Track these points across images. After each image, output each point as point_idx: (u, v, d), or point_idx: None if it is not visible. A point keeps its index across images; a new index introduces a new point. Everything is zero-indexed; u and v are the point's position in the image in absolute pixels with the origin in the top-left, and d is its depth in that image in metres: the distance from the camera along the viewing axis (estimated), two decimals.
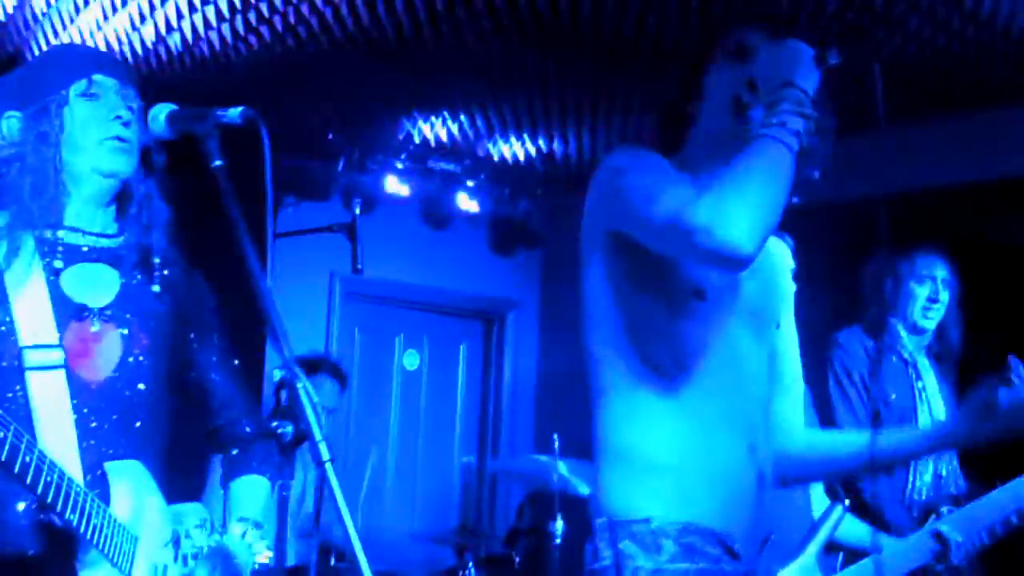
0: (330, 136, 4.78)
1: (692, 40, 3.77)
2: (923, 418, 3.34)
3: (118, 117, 1.82)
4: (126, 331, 1.84)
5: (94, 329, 1.80)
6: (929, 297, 3.39)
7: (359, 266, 3.54)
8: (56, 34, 4.00)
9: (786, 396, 1.92)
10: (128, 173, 1.85)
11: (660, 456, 1.67)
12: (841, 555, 2.97)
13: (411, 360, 5.94)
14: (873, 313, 3.48)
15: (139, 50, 4.08)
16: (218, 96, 4.38)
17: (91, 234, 1.86)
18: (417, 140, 5.18)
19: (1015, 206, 4.31)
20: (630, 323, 1.71)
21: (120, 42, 4.03)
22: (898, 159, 4.67)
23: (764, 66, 1.69)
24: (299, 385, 1.49)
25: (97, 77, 1.84)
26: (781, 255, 1.93)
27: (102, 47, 4.06)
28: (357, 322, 5.76)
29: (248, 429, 2.01)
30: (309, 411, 1.47)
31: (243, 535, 1.87)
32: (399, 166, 5.31)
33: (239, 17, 3.76)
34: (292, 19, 3.73)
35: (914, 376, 3.40)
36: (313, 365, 3.82)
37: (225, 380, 2.00)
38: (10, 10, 3.85)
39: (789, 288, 1.94)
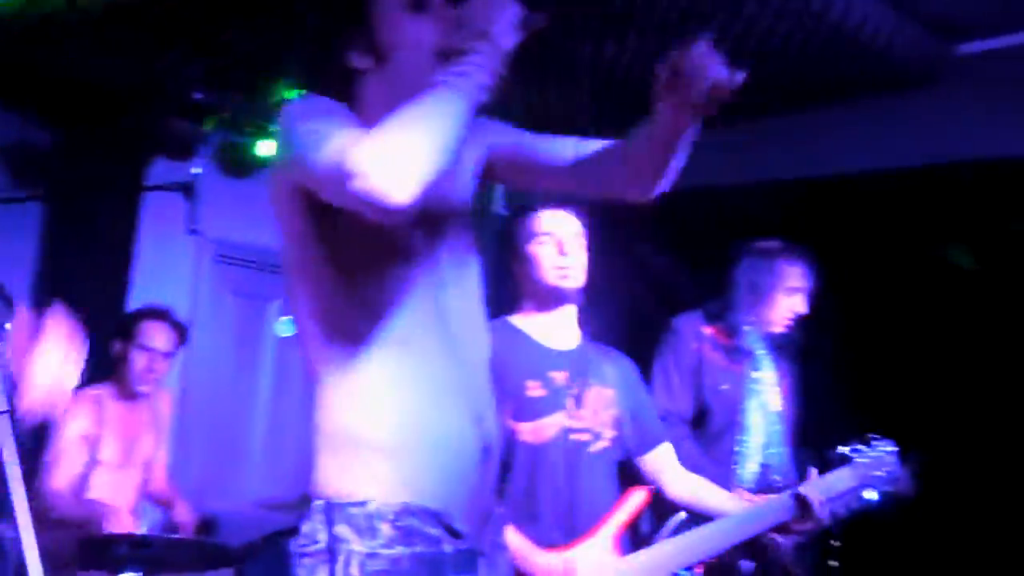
0: (198, 96, 4.71)
1: None
2: (753, 411, 3.37)
3: None
4: None
5: None
6: (792, 309, 3.43)
7: (193, 227, 3.49)
8: None
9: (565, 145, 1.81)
10: None
11: (377, 436, 1.61)
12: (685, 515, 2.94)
13: (285, 327, 5.91)
14: (720, 304, 3.50)
15: None
16: (73, 50, 4.36)
17: None
18: None
19: (849, 200, 4.41)
20: (331, 292, 1.63)
21: None
22: (761, 150, 4.77)
23: (469, 14, 1.62)
24: None
25: None
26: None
27: None
28: (230, 286, 5.71)
29: None
30: None
31: None
32: (274, 130, 5.24)
33: None
34: None
35: (750, 367, 3.42)
36: (151, 313, 3.80)
37: None
38: None
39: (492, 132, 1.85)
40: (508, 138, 1.85)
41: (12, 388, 1.45)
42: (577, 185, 1.82)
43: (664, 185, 1.76)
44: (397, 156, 1.44)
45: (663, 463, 2.90)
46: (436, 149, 1.47)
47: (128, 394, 3.73)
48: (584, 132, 1.81)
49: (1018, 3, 3.65)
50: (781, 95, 4.48)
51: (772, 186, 4.64)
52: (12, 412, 1.44)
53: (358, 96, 1.70)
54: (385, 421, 1.61)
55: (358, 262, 1.62)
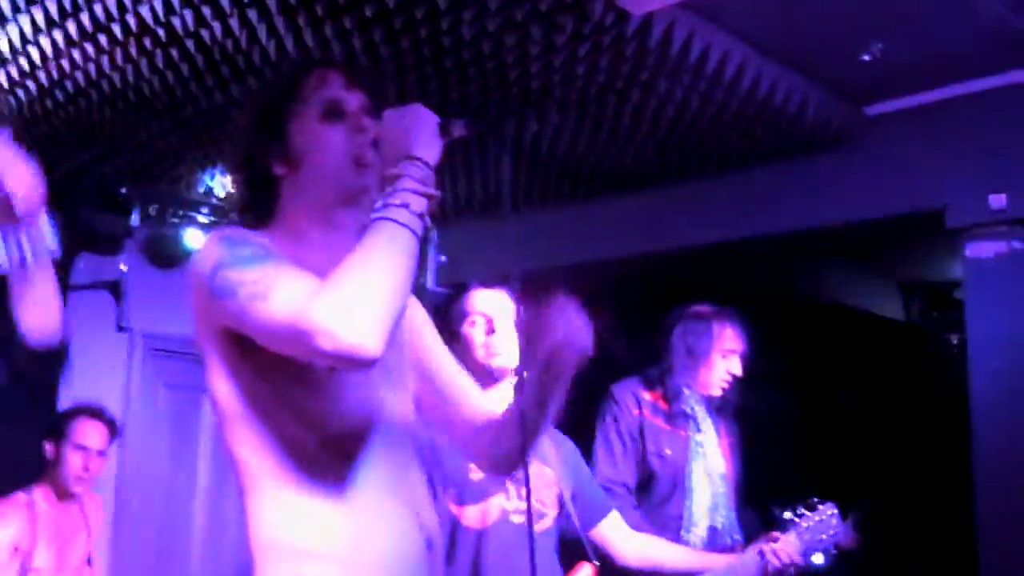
0: (123, 190, 4.69)
1: None
2: (697, 473, 3.38)
3: None
4: None
5: None
6: (729, 371, 3.45)
7: (123, 323, 3.46)
8: None
9: (471, 394, 1.87)
10: None
11: (319, 544, 1.55)
12: None
13: None
14: (658, 370, 3.52)
15: None
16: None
17: None
18: (220, 195, 5.12)
19: (769, 259, 4.52)
20: (263, 414, 1.58)
21: None
22: (675, 218, 4.88)
23: (387, 131, 1.62)
24: None
25: None
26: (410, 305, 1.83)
27: None
28: (161, 378, 5.63)
29: None
30: None
31: None
32: (202, 220, 5.23)
33: (1, 71, 3.68)
34: (82, 81, 3.69)
35: (694, 430, 3.43)
36: (84, 411, 3.75)
37: None
38: None
39: (422, 324, 1.89)
40: (436, 352, 1.89)
41: None
42: (457, 434, 1.88)
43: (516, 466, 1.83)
44: (361, 308, 1.41)
45: (611, 530, 2.91)
46: (397, 292, 1.46)
47: (62, 495, 3.64)
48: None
49: (919, 67, 3.80)
50: (698, 161, 4.62)
51: (695, 250, 4.73)
52: None
53: (276, 199, 1.71)
54: (326, 529, 1.57)
55: (289, 374, 1.57)
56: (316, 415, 1.59)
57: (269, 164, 1.70)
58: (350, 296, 1.41)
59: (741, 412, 3.59)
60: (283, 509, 1.56)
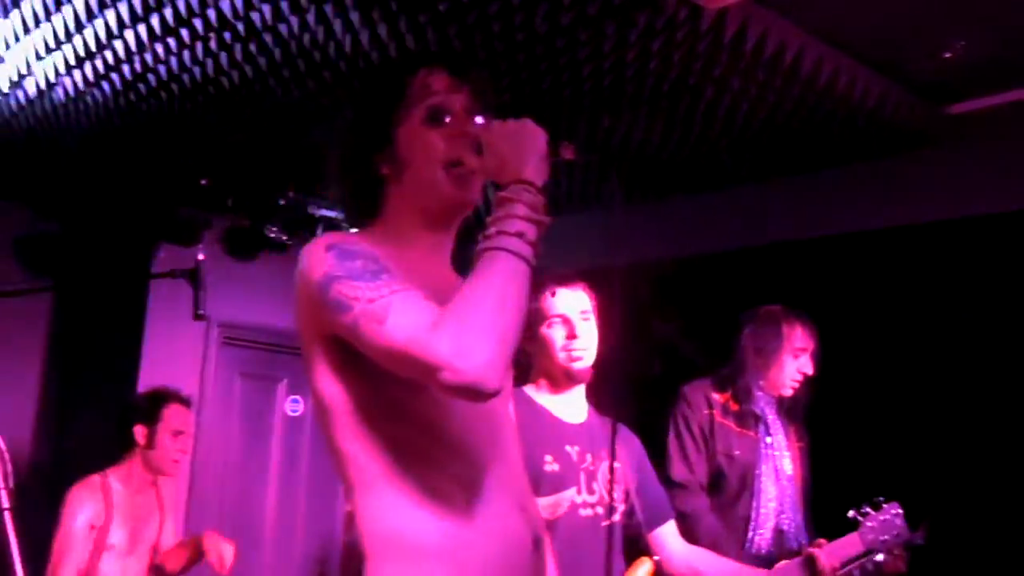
0: (202, 182, 4.80)
1: None
2: (766, 475, 3.39)
3: None
4: None
5: None
6: (800, 370, 3.45)
7: (200, 312, 3.52)
8: None
9: None
10: None
11: (430, 540, 1.55)
12: None
13: (294, 407, 5.93)
14: (729, 370, 3.54)
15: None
16: (83, 141, 4.46)
17: None
18: (296, 187, 5.21)
19: (848, 259, 4.44)
20: (373, 414, 1.57)
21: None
22: (746, 218, 4.83)
23: (493, 144, 1.58)
24: None
25: None
26: None
27: None
28: (236, 367, 5.74)
29: None
30: None
31: None
32: (278, 212, 5.33)
33: (88, 64, 3.78)
34: (164, 75, 3.78)
35: (763, 431, 3.44)
36: (176, 397, 3.85)
37: None
38: None
39: None
40: None
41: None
42: None
43: None
44: (483, 344, 1.41)
45: (667, 536, 2.92)
46: (516, 327, 1.46)
47: (142, 478, 3.75)
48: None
49: (1002, 64, 3.70)
50: (772, 160, 4.56)
51: (773, 249, 4.68)
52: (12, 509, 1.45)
53: (382, 197, 1.74)
54: (439, 528, 1.56)
55: (400, 383, 1.54)
56: (429, 419, 1.59)
57: (376, 164, 1.72)
58: (472, 331, 1.41)
59: (816, 413, 3.57)
60: (396, 507, 1.56)
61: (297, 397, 5.93)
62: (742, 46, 3.45)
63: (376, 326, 1.45)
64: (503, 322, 1.43)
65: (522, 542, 1.64)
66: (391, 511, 1.56)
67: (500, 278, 1.46)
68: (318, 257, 1.54)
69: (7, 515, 1.44)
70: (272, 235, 5.32)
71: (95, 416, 4.65)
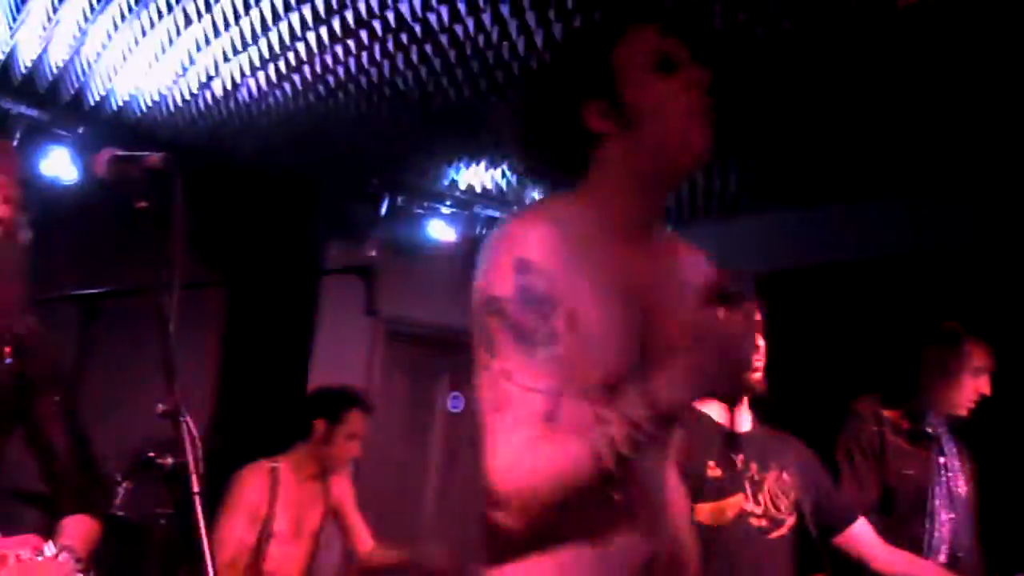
0: (373, 181, 4.92)
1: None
2: (941, 497, 3.28)
3: None
4: None
5: None
6: (978, 390, 3.35)
7: (374, 308, 3.60)
8: (110, 79, 4.23)
9: None
10: None
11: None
12: None
13: (455, 402, 6.01)
14: (902, 387, 3.44)
15: (186, 95, 4.29)
16: (260, 141, 4.63)
17: None
18: (463, 187, 5.29)
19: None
20: None
21: (170, 89, 4.25)
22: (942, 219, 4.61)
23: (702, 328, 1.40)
24: (181, 420, 1.56)
25: None
26: None
27: (151, 95, 4.30)
28: (400, 362, 5.85)
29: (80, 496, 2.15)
30: (187, 445, 1.54)
31: (58, 557, 1.95)
32: (445, 211, 5.42)
33: (272, 66, 3.92)
34: (342, 76, 3.90)
35: (937, 452, 3.34)
36: (360, 403, 3.94)
37: (68, 445, 2.15)
38: (64, 59, 4.09)
39: None
40: None
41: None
42: None
43: None
44: (533, 508, 1.41)
45: (860, 535, 2.82)
46: (567, 501, 1.41)
47: (309, 469, 3.84)
48: None
49: None
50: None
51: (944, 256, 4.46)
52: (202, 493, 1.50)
53: (593, 159, 1.54)
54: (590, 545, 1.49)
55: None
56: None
57: (590, 121, 1.52)
58: (529, 493, 1.40)
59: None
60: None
61: (458, 393, 6.00)
62: None
63: (488, 405, 1.42)
64: (562, 497, 1.40)
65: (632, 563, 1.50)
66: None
67: (586, 467, 1.38)
68: (502, 271, 1.43)
69: (197, 500, 1.48)
70: (436, 233, 5.42)
71: (266, 407, 4.81)
